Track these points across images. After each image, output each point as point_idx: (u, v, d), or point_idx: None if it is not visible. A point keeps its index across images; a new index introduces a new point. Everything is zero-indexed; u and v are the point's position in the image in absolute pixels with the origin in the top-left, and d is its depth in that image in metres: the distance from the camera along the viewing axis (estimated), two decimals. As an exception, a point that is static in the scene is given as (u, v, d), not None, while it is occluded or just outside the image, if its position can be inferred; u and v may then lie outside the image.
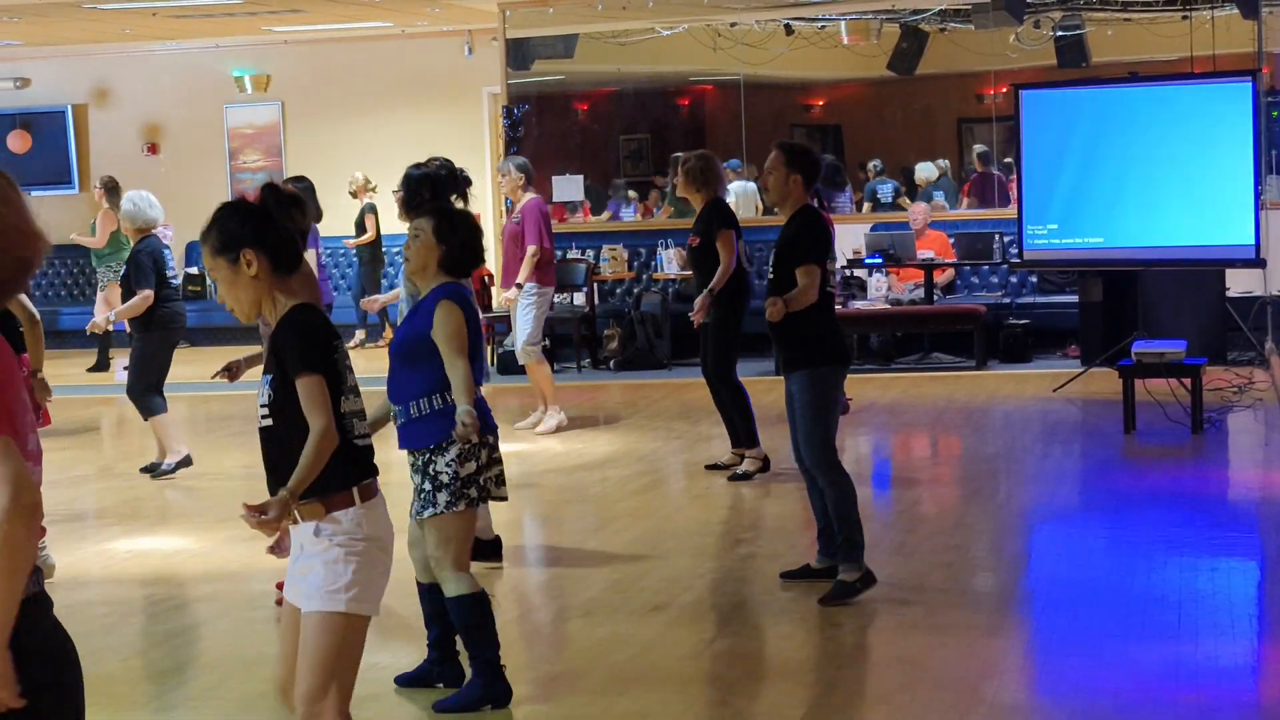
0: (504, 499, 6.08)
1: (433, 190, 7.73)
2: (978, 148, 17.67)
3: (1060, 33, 16.92)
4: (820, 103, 19.00)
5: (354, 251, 18.92)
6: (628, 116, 19.10)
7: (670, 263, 16.57)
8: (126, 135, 20.75)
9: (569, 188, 17.91)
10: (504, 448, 12.27)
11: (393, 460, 6.02)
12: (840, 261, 16.03)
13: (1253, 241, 12.76)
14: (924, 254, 15.60)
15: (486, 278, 15.54)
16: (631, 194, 18.46)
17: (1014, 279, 16.34)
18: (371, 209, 18.63)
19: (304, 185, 11.18)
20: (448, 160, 7.91)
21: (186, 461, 10.86)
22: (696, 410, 12.77)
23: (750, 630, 7.04)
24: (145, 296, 10.57)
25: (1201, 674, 6.04)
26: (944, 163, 17.95)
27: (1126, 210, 13.41)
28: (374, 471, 4.42)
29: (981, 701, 5.75)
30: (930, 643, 6.52)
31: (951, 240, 16.00)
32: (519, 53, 18.05)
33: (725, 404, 10.37)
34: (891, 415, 12.81)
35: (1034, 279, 16.27)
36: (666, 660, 6.51)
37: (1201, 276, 14.14)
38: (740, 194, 17.13)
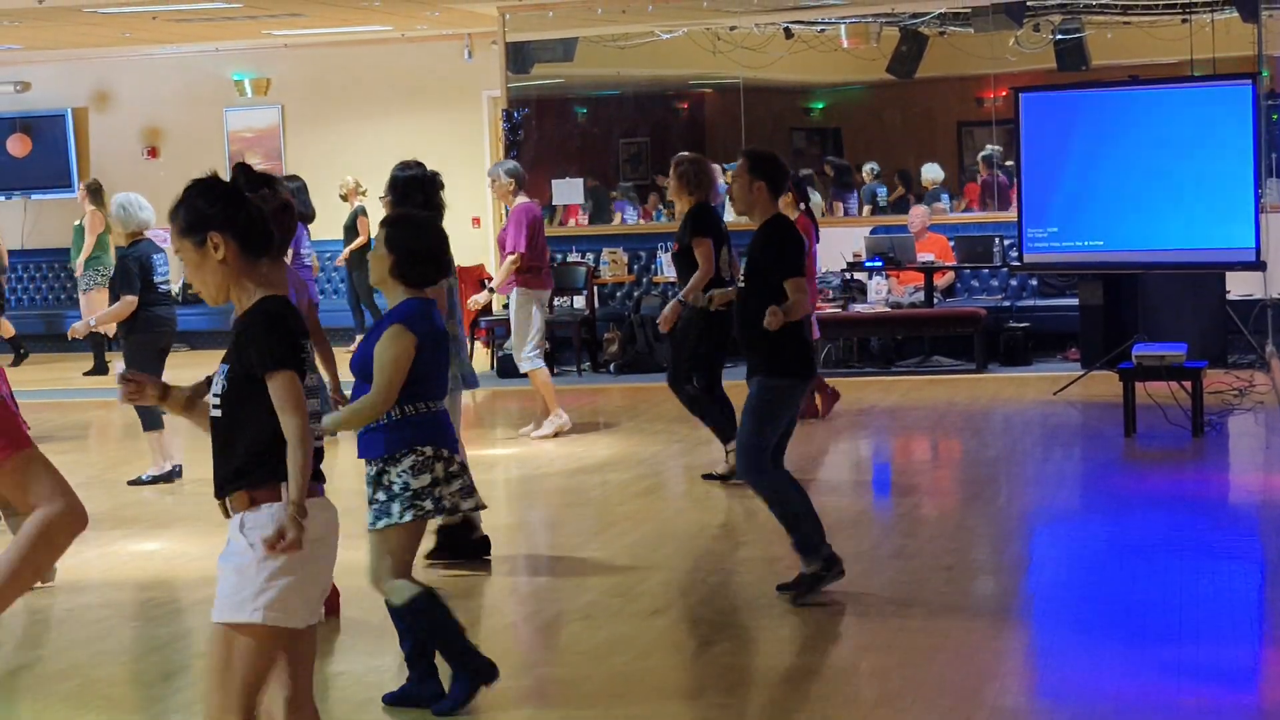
0: (477, 509, 6.01)
1: (424, 193, 7.77)
2: (988, 149, 17.58)
3: (1060, 36, 16.92)
4: (820, 106, 19.00)
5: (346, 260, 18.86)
6: (627, 120, 19.09)
7: (670, 266, 16.55)
8: (126, 139, 20.76)
9: (569, 191, 17.91)
10: (503, 451, 12.27)
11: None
12: (840, 265, 16.06)
13: (1253, 245, 12.76)
14: (924, 257, 15.60)
15: (486, 280, 15.54)
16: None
17: (1014, 282, 16.34)
18: (363, 211, 18.61)
19: (296, 185, 11.22)
20: (420, 163, 7.96)
21: (169, 476, 10.77)
22: (697, 414, 12.76)
23: (750, 634, 7.03)
24: (128, 302, 10.52)
25: (1202, 677, 6.03)
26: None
27: (1127, 213, 13.40)
28: (316, 474, 4.10)
29: (982, 705, 5.74)
30: (931, 646, 6.51)
31: (951, 243, 16.00)
32: (519, 56, 18.05)
33: (702, 406, 10.31)
34: (891, 418, 12.81)
35: (1034, 282, 16.27)
36: (666, 664, 6.51)
37: (1202, 280, 14.14)
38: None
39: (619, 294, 17.32)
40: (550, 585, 7.98)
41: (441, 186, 7.87)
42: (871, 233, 16.30)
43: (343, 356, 7.39)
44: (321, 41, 19.76)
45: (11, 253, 20.61)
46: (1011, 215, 15.29)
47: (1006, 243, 15.65)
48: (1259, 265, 12.95)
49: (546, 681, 6.36)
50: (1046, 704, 5.96)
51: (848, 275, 15.93)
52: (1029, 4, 16.79)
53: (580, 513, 9.69)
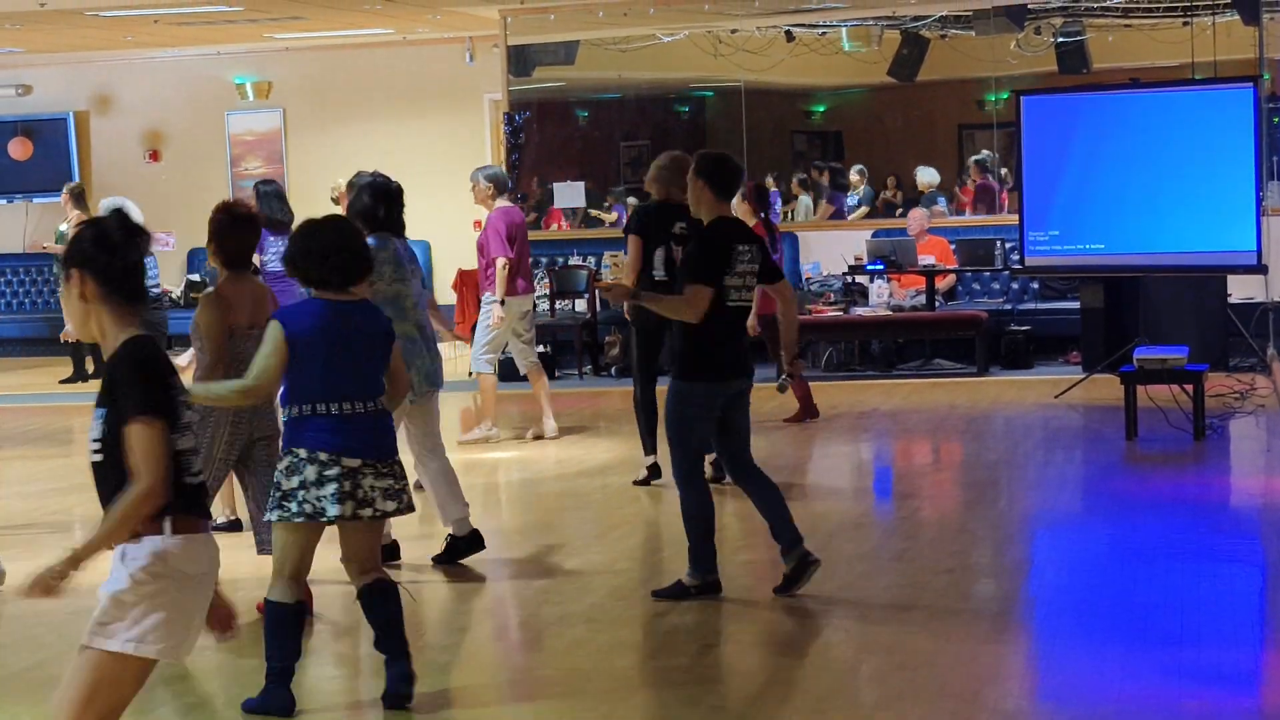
0: (400, 512, 5.90)
1: (386, 205, 7.96)
2: (980, 155, 17.59)
3: (1061, 39, 16.92)
4: (821, 109, 19.00)
5: None
6: (629, 123, 19.09)
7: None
8: (128, 142, 20.75)
9: (570, 194, 17.90)
10: (503, 453, 12.25)
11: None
12: (841, 268, 16.07)
13: (1254, 248, 12.75)
14: (925, 260, 15.60)
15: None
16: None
17: (1015, 285, 16.34)
18: (355, 214, 18.58)
19: (271, 188, 11.28)
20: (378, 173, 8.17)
21: None
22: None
23: (751, 637, 7.03)
24: None
25: (1204, 680, 6.03)
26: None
27: (1128, 216, 13.40)
28: (201, 510, 4.14)
29: (984, 708, 5.74)
30: (932, 649, 6.50)
31: (953, 246, 16.00)
32: (520, 59, 18.06)
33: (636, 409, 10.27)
34: (893, 422, 12.80)
35: (1035, 285, 16.27)
36: (668, 667, 6.50)
37: (1203, 283, 14.14)
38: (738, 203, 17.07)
39: (620, 297, 17.28)
40: (552, 587, 7.97)
41: (400, 202, 8.09)
42: (873, 236, 16.29)
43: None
44: (323, 45, 19.76)
45: (12, 256, 20.61)
46: (1012, 218, 15.30)
47: (1008, 246, 15.65)
48: (1260, 268, 12.94)
49: (548, 683, 6.36)
50: (1048, 707, 5.95)
51: (849, 279, 15.93)
52: (1030, 7, 16.80)
53: (581, 515, 9.70)
